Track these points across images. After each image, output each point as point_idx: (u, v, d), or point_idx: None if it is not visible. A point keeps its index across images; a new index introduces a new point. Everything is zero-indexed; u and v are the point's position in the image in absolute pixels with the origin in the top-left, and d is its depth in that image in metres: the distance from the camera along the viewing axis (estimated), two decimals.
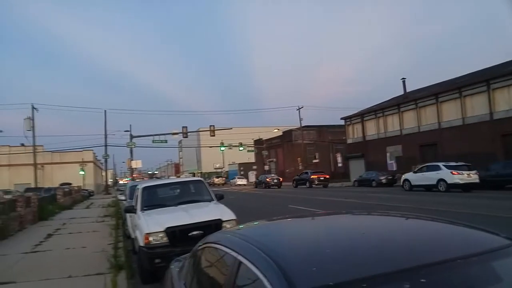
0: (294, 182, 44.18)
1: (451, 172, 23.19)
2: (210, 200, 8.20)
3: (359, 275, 1.50)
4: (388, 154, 40.35)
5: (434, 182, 24.11)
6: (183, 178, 18.69)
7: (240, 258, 1.91)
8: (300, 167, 55.01)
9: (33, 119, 41.58)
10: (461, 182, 22.82)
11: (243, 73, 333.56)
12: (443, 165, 24.31)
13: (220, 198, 8.49)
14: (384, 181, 33.45)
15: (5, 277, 6.90)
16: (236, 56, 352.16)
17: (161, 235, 6.36)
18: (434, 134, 35.26)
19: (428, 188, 24.72)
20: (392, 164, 39.67)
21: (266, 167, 66.96)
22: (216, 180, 73.81)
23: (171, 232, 6.37)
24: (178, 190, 8.90)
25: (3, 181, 49.32)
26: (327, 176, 41.23)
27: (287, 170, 63.52)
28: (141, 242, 6.51)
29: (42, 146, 51.71)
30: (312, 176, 40.44)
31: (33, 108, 41.99)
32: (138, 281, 6.67)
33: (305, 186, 40.59)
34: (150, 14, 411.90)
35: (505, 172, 22.66)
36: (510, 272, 1.68)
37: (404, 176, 28.18)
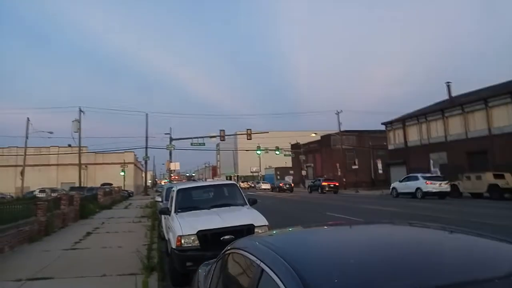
0: (309, 188, 49.28)
1: (426, 182, 27.42)
2: (243, 204, 8.06)
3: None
4: (431, 162, 38.71)
5: (413, 190, 28.26)
6: (217, 181, 18.80)
7: (262, 265, 1.81)
8: (339, 173, 53.87)
9: (80, 121, 43.53)
10: (433, 190, 27.04)
11: (281, 76, 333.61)
12: (421, 175, 28.86)
13: (253, 202, 8.33)
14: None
15: (45, 272, 7.12)
16: (275, 59, 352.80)
17: (193, 238, 6.29)
18: (483, 141, 33.24)
19: (411, 195, 28.48)
20: (435, 172, 38.05)
21: (303, 172, 66.24)
22: (242, 184, 74.85)
23: (202, 235, 6.28)
24: (212, 193, 8.83)
25: (52, 180, 52.04)
26: (337, 184, 45.76)
27: (324, 176, 62.49)
28: (174, 244, 6.47)
29: (86, 147, 54.02)
30: (323, 183, 44.89)
31: (81, 111, 43.97)
32: (169, 284, 6.64)
33: (317, 192, 44.70)
34: (190, 18, 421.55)
35: None
36: None
37: (392, 185, 31.89)
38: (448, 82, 42.48)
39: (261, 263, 1.82)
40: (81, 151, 45.81)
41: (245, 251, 2.15)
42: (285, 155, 68.83)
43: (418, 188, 27.78)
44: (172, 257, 6.65)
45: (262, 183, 69.89)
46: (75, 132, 43.50)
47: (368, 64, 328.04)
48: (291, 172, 77.12)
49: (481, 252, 1.85)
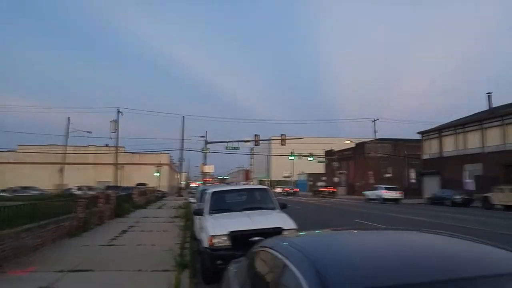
0: (313, 192, 64.16)
1: (384, 192, 38.99)
2: (274, 208, 8.35)
3: (393, 283, 1.61)
4: (466, 173, 37.54)
5: (375, 197, 39.52)
6: (250, 185, 19.17)
7: (286, 261, 2.03)
8: (372, 181, 53.12)
9: (118, 122, 45.01)
10: (389, 197, 38.26)
11: (317, 82, 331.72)
12: (381, 186, 40.78)
13: (283, 207, 8.62)
14: (459, 200, 31.21)
15: (85, 265, 7.63)
16: (311, 65, 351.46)
17: (224, 238, 6.62)
18: None
19: (377, 200, 39.10)
20: (470, 183, 36.89)
21: (336, 179, 65.74)
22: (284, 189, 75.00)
23: (233, 236, 6.60)
24: (244, 197, 9.16)
25: (89, 178, 54.02)
26: (334, 190, 57.82)
27: (357, 183, 61.74)
28: (206, 243, 6.82)
29: (123, 147, 55.79)
30: (320, 189, 59.87)
31: (119, 111, 45.48)
32: (200, 281, 6.97)
33: (319, 195, 55.78)
34: (228, 23, 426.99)
35: None
36: None
37: (365, 192, 43.44)
38: (489, 93, 41.08)
39: (286, 259, 2.05)
40: (118, 151, 47.43)
41: (272, 248, 2.39)
42: (318, 161, 68.45)
43: (379, 195, 39.13)
44: (203, 256, 7.00)
45: (277, 187, 71.34)
46: (112, 132, 44.96)
47: (406, 72, 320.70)
48: (323, 178, 76.60)
49: (477, 254, 2.09)
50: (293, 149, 58.82)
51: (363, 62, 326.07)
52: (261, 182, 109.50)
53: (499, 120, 35.31)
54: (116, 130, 44.94)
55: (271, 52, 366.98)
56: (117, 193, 22.04)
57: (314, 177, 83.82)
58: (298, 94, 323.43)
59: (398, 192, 39.53)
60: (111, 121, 44.79)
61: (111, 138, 45.68)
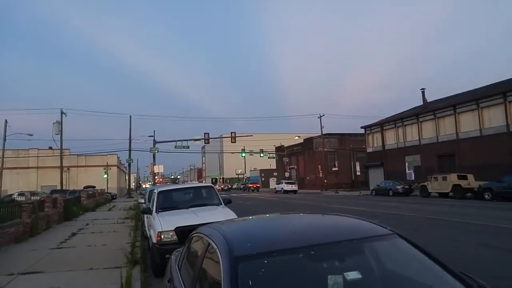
0: (241, 188, 76.98)
1: (285, 185, 52.93)
2: (219, 204, 8.93)
3: (273, 248, 2.34)
4: (406, 164, 40.28)
5: (280, 189, 53.55)
6: (195, 183, 19.70)
7: (209, 240, 2.72)
8: (321, 175, 55.31)
9: (61, 124, 43.22)
10: (289, 189, 51.64)
11: (268, 80, 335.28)
12: (282, 181, 55.35)
13: (228, 202, 9.22)
14: (401, 190, 33.48)
15: (35, 267, 7.79)
16: (261, 63, 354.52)
17: (171, 233, 7.11)
18: (452, 145, 35.19)
19: (281, 191, 52.37)
20: (410, 174, 39.61)
21: (287, 174, 67.43)
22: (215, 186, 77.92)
23: (180, 231, 7.09)
24: (190, 195, 9.65)
25: (32, 183, 51.52)
26: (258, 185, 73.57)
27: (307, 178, 63.78)
28: (154, 239, 7.26)
29: (68, 149, 53.64)
30: (249, 185, 72.84)
31: (62, 112, 43.57)
32: (151, 275, 7.41)
33: (246, 191, 67.41)
34: (176, 20, 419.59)
35: None
36: (386, 253, 2.50)
37: (275, 185, 57.70)
38: (423, 89, 44.22)
39: (210, 239, 2.71)
40: (63, 154, 45.56)
41: (202, 233, 3.04)
42: (269, 157, 69.86)
43: (281, 187, 53.37)
44: (153, 251, 7.44)
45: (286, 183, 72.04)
46: (56, 134, 43.17)
47: (352, 70, 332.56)
48: (275, 174, 78.25)
49: (342, 226, 2.88)
50: (244, 146, 59.66)
51: (311, 60, 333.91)
52: (214, 180, 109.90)
53: (431, 114, 38.26)
54: (60, 132, 43.22)
55: (221, 51, 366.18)
56: (64, 197, 21.61)
57: (266, 173, 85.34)
58: (249, 91, 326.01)
59: (293, 185, 53.47)
60: (54, 123, 43.01)
61: (54, 140, 43.86)
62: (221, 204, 8.94)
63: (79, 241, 11.55)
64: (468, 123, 33.82)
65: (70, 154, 54.47)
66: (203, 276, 2.62)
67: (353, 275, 2.18)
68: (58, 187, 42.14)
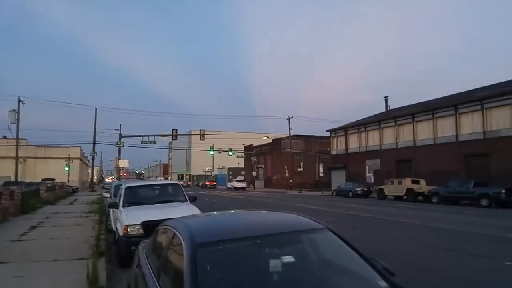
0: (199, 185, 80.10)
1: (236, 183, 61.05)
2: (184, 201, 9.36)
3: (227, 237, 2.89)
4: (367, 167, 41.94)
5: (231, 186, 61.05)
6: (162, 181, 19.86)
7: (174, 231, 3.19)
8: (287, 175, 56.45)
9: (18, 112, 41.43)
10: (239, 186, 59.24)
11: (239, 79, 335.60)
12: (234, 179, 63.77)
13: (193, 199, 9.65)
14: (360, 192, 34.93)
15: None
16: (232, 62, 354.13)
17: (137, 227, 7.49)
18: (409, 151, 37.21)
19: (232, 189, 58.50)
20: (370, 177, 41.21)
21: (254, 173, 68.20)
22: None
23: (146, 225, 7.49)
24: (157, 191, 10.03)
25: None
26: (214, 183, 75.64)
27: (274, 177, 64.80)
28: (121, 232, 7.62)
29: (25, 139, 51.64)
30: (206, 183, 76.81)
31: (19, 100, 41.82)
32: (116, 266, 7.74)
33: (204, 188, 69.30)
34: (149, 14, 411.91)
35: (459, 189, 24.98)
36: (318, 243, 3.11)
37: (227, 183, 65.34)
38: (386, 97, 46.07)
39: (175, 230, 3.18)
40: (18, 144, 43.62)
41: (168, 226, 3.50)
42: (237, 156, 70.28)
43: (233, 185, 60.43)
44: (119, 243, 7.78)
45: (237, 181, 72.90)
46: (12, 123, 41.46)
47: (322, 73, 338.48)
48: (243, 172, 78.82)
49: (284, 221, 3.47)
50: (213, 144, 59.78)
51: (283, 62, 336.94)
52: (180, 176, 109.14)
53: (392, 122, 40.12)
54: (16, 121, 41.42)
55: (193, 48, 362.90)
56: (20, 188, 20.97)
57: (234, 171, 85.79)
58: (220, 90, 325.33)
59: (243, 183, 61.86)
60: (10, 111, 41.25)
61: (10, 129, 42.06)
62: (187, 201, 9.38)
63: (40, 234, 11.52)
64: (424, 132, 36.02)
65: (27, 145, 52.48)
66: (168, 261, 3.08)
67: (287, 259, 2.76)
68: (12, 179, 40.53)
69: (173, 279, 2.83)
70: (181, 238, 2.89)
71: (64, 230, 12.29)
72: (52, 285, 6.03)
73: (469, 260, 8.23)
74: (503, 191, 22.14)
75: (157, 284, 3.02)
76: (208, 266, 2.59)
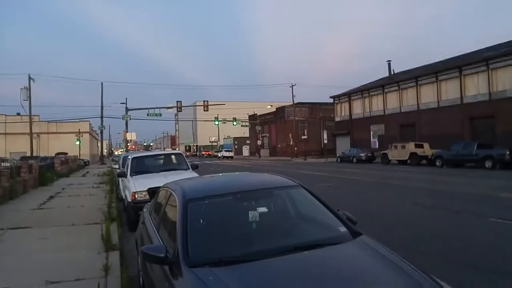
0: (197, 155, 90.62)
1: (224, 152, 70.21)
2: (187, 169, 10.08)
3: (213, 194, 3.51)
4: (371, 133, 42.32)
5: (220, 155, 70.84)
6: (165, 151, 20.83)
7: (170, 191, 3.84)
8: (291, 143, 57.01)
9: (29, 89, 42.31)
10: (226, 155, 68.36)
11: (242, 49, 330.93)
12: (222, 150, 72.88)
13: (195, 167, 10.39)
14: (364, 158, 35.46)
15: (23, 224, 8.75)
16: (235, 31, 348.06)
17: (144, 193, 8.23)
18: (413, 115, 37.31)
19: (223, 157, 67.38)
20: (375, 142, 41.72)
21: (259, 142, 68.89)
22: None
23: (152, 191, 8.19)
24: (161, 161, 10.77)
25: (0, 149, 50.79)
26: (210, 153, 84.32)
27: (279, 146, 65.48)
28: (129, 198, 8.37)
29: (38, 116, 52.80)
30: (203, 152, 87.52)
31: (30, 78, 42.57)
32: (126, 229, 8.54)
33: (200, 158, 77.87)
34: None
35: (463, 152, 25.18)
36: (291, 197, 3.72)
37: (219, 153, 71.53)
38: (389, 61, 45.71)
39: (171, 190, 3.81)
40: (32, 120, 44.83)
41: (166, 187, 4.15)
42: (242, 125, 70.81)
43: (222, 155, 69.07)
44: (128, 209, 8.55)
45: (225, 151, 74.34)
46: (24, 100, 42.35)
47: (325, 40, 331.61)
48: (248, 142, 79.59)
49: (264, 180, 4.12)
50: (217, 114, 60.28)
51: (286, 29, 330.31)
52: (188, 147, 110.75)
53: (396, 86, 40.04)
54: (28, 98, 42.35)
55: (196, 18, 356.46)
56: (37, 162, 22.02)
57: (239, 140, 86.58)
58: (224, 59, 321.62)
59: (230, 153, 70.39)
60: (21, 88, 42.03)
61: (22, 106, 43.03)
62: (189, 169, 10.09)
63: (58, 203, 12.44)
64: (428, 95, 35.90)
65: (40, 121, 53.69)
66: (166, 214, 3.73)
67: (262, 210, 3.39)
68: (28, 154, 41.83)
69: (169, 229, 3.47)
70: (176, 196, 3.52)
71: (79, 199, 13.23)
72: (74, 244, 6.82)
73: (454, 217, 8.78)
74: (508, 153, 22.18)
75: (157, 234, 3.68)
76: (196, 216, 3.22)
